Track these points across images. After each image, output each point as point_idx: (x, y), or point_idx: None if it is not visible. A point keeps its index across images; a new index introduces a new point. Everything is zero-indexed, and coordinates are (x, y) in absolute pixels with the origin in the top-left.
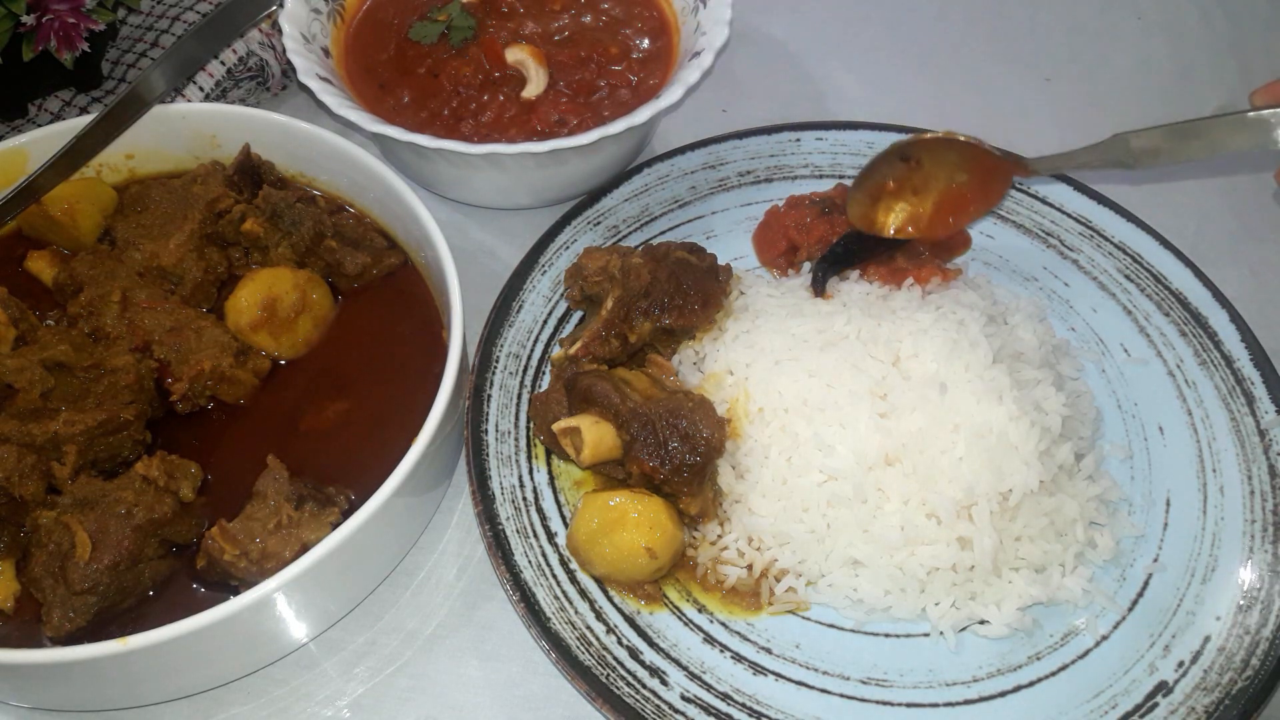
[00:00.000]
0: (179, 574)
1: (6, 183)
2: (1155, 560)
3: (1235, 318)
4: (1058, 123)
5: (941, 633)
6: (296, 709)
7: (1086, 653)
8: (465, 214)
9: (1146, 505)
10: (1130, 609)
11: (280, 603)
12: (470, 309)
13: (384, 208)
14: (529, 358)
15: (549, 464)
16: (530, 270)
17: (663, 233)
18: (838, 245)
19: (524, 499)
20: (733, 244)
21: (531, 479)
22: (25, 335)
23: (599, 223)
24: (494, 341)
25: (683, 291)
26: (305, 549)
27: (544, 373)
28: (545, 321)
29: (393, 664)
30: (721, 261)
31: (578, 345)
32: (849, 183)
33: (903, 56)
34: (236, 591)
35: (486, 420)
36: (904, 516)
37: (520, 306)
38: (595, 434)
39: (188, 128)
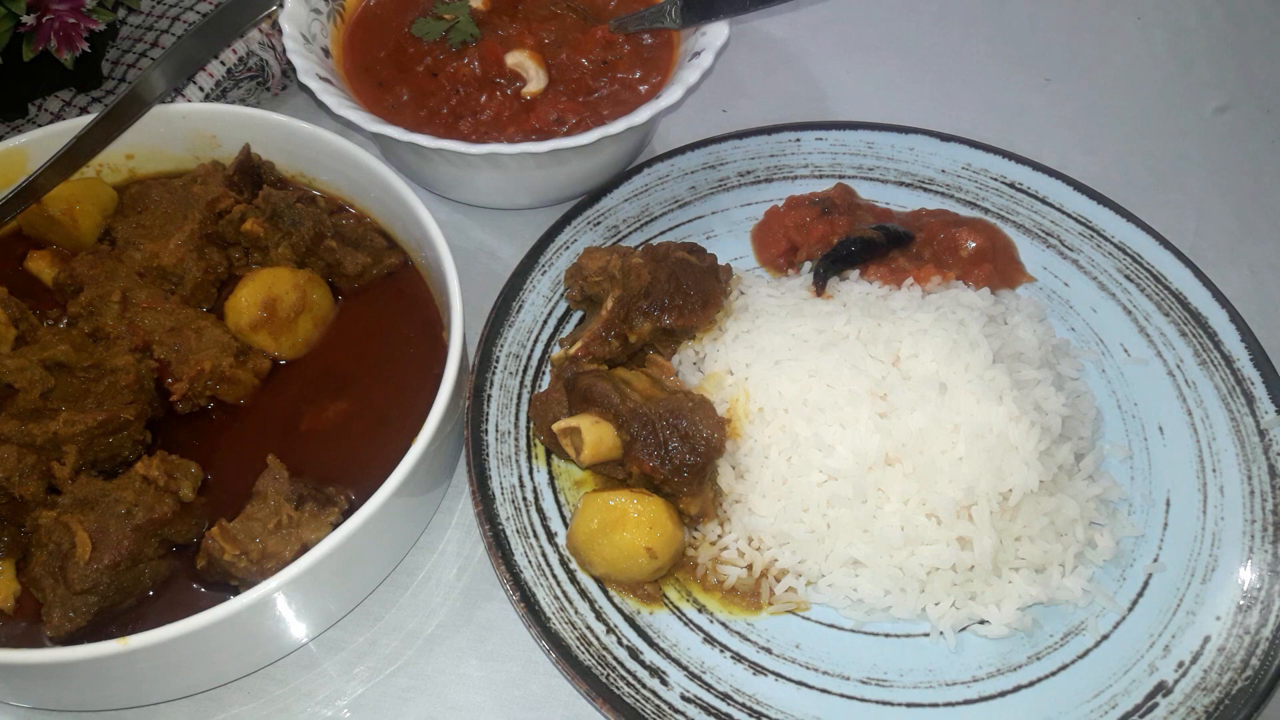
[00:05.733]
0: (179, 574)
1: (6, 183)
2: (1155, 560)
3: (1235, 317)
4: (1058, 123)
5: (941, 633)
6: (297, 709)
7: (1086, 652)
8: (465, 214)
9: (1146, 505)
10: (1130, 609)
11: (280, 603)
12: (470, 309)
13: (384, 208)
14: (529, 358)
15: (549, 464)
16: (530, 270)
17: (663, 233)
18: (839, 246)
19: (524, 499)
20: (733, 244)
21: (531, 479)
22: (25, 335)
23: (599, 223)
24: (494, 341)
25: (683, 291)
26: (305, 549)
27: (544, 373)
28: (545, 321)
29: (393, 664)
30: (721, 261)
31: (578, 345)
32: (849, 183)
33: (903, 56)
34: (236, 591)
35: (486, 420)
36: (904, 516)
37: (520, 306)
38: (595, 434)
39: (188, 128)
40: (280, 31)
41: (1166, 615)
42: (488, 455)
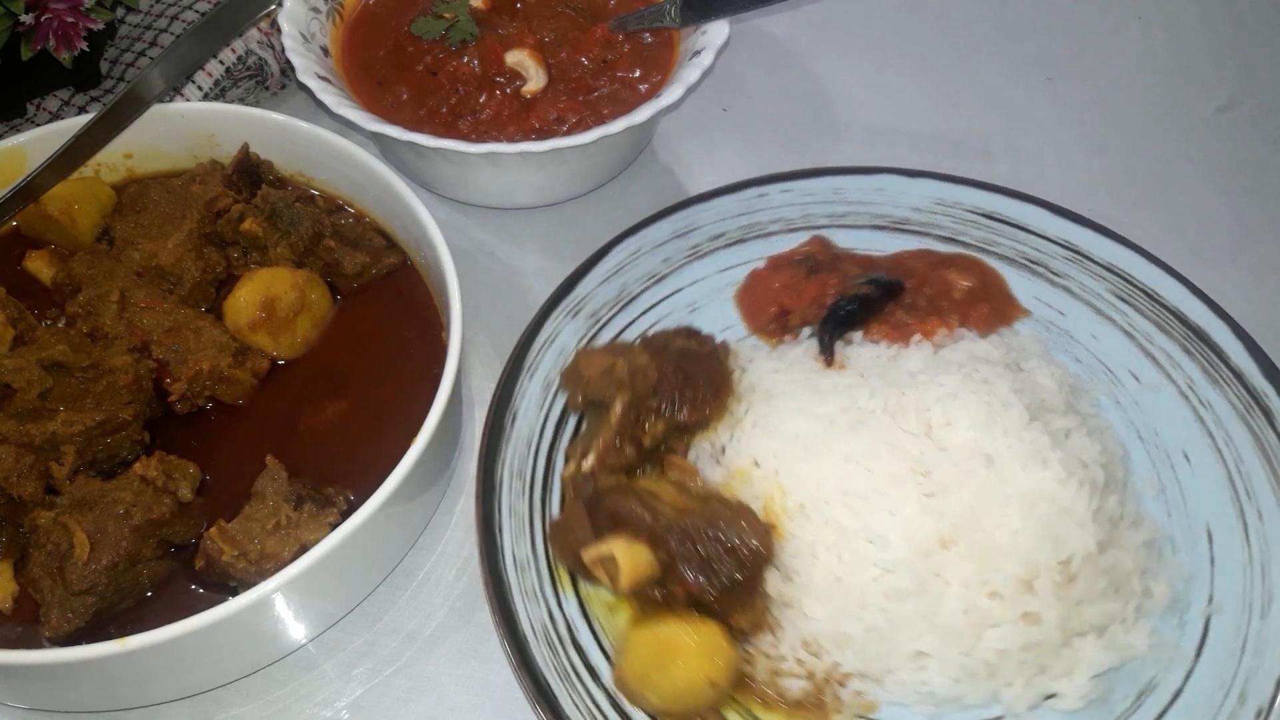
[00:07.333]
0: (178, 574)
1: (5, 182)
2: (1210, 601)
3: (1238, 330)
4: (1058, 122)
5: (1017, 715)
6: (295, 710)
7: (1164, 713)
8: (465, 214)
9: (1189, 542)
10: (1196, 657)
11: (279, 603)
12: (470, 309)
13: (383, 207)
14: (533, 474)
15: (577, 590)
16: (518, 376)
17: (644, 311)
18: (834, 307)
19: (558, 637)
20: (718, 313)
21: (562, 611)
22: (23, 335)
23: (578, 311)
24: (494, 462)
25: (691, 383)
26: (304, 550)
27: (552, 488)
28: (542, 430)
29: (392, 665)
30: (708, 332)
31: (591, 459)
32: (823, 232)
33: (904, 56)
34: (235, 592)
35: (503, 553)
36: (967, 600)
37: (514, 418)
38: (631, 558)
39: (186, 127)
40: (279, 30)
41: (1234, 659)
42: (511, 593)
